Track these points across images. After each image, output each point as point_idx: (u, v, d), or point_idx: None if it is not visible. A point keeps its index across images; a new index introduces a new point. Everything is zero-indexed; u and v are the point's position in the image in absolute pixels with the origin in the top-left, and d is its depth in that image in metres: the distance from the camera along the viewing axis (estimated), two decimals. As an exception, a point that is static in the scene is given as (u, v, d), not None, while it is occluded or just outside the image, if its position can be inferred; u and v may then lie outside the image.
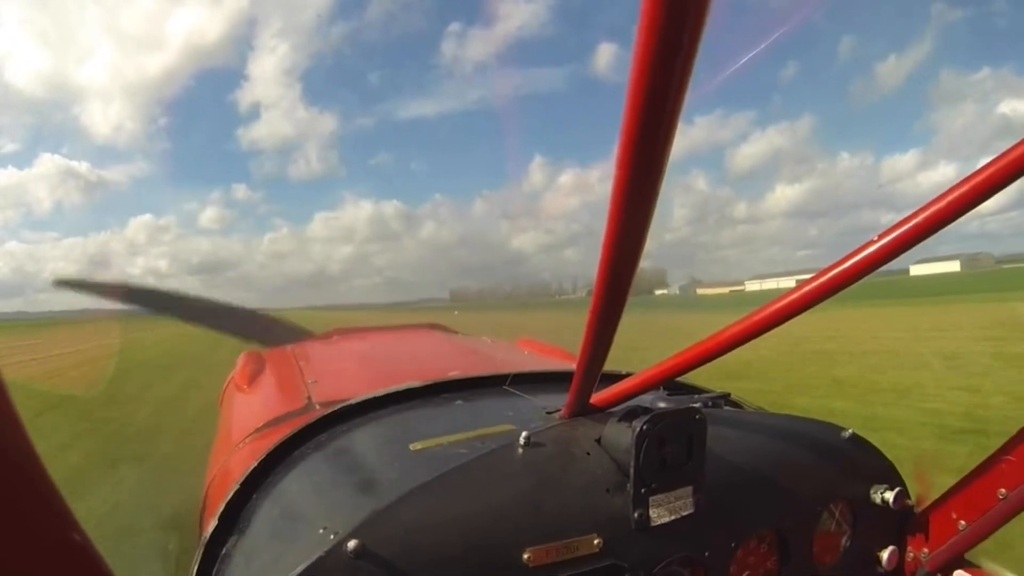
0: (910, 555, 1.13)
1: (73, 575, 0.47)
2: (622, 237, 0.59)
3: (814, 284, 0.78)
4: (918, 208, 0.70)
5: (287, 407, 1.42)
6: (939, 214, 0.68)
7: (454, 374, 1.36)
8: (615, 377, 1.03)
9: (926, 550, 1.11)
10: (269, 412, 1.43)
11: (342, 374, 1.97)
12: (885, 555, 1.10)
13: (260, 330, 3.23)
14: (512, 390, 1.30)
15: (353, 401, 1.17)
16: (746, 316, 0.85)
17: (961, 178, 0.67)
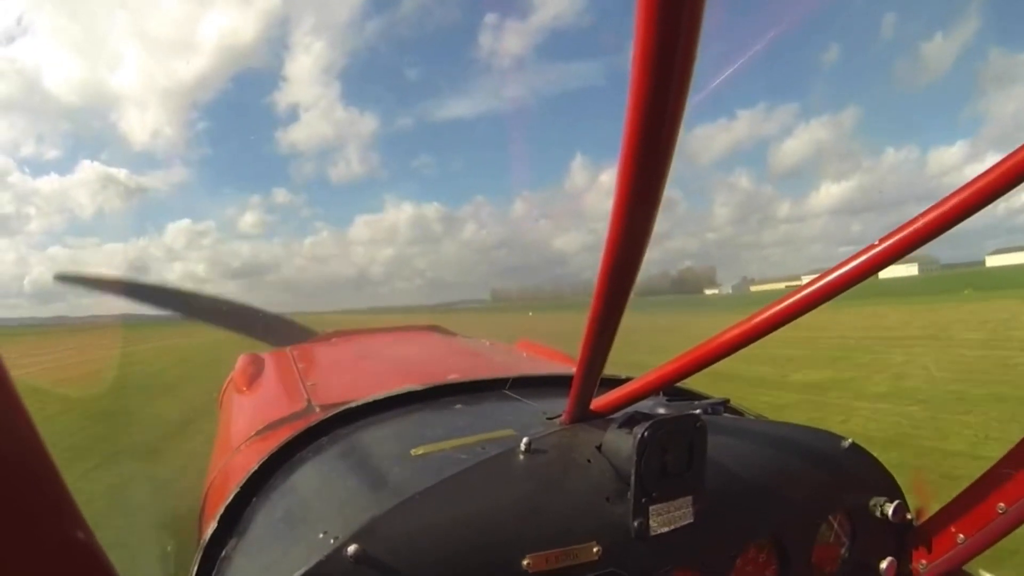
0: (908, 567, 1.13)
1: (78, 573, 0.47)
2: (624, 242, 0.59)
3: (815, 286, 0.78)
4: (919, 214, 0.70)
5: (286, 410, 1.42)
6: (940, 218, 0.68)
7: (454, 377, 1.36)
8: (615, 382, 1.03)
9: (924, 562, 1.11)
10: (268, 415, 1.43)
11: (341, 376, 1.97)
12: (883, 566, 1.09)
13: (263, 329, 3.22)
14: (512, 394, 1.30)
15: (353, 404, 1.17)
16: (746, 319, 0.85)
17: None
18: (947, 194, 0.68)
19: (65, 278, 3.20)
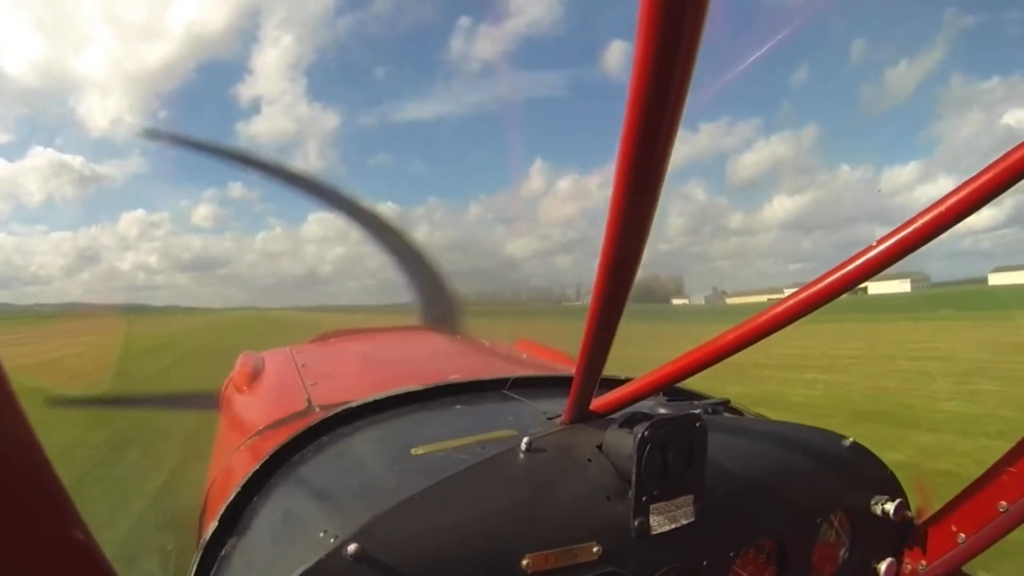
0: (908, 567, 1.13)
1: (76, 573, 0.47)
2: (621, 243, 0.59)
3: (813, 289, 0.78)
4: (909, 219, 0.70)
5: (287, 409, 1.42)
6: (931, 224, 0.68)
7: (454, 377, 1.36)
8: (614, 382, 1.03)
9: (924, 562, 1.11)
10: (269, 414, 1.43)
11: (341, 376, 1.97)
12: (883, 567, 1.09)
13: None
14: (512, 394, 1.30)
15: (353, 404, 1.17)
16: (745, 321, 0.85)
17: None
18: (934, 203, 0.68)
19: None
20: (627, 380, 1.01)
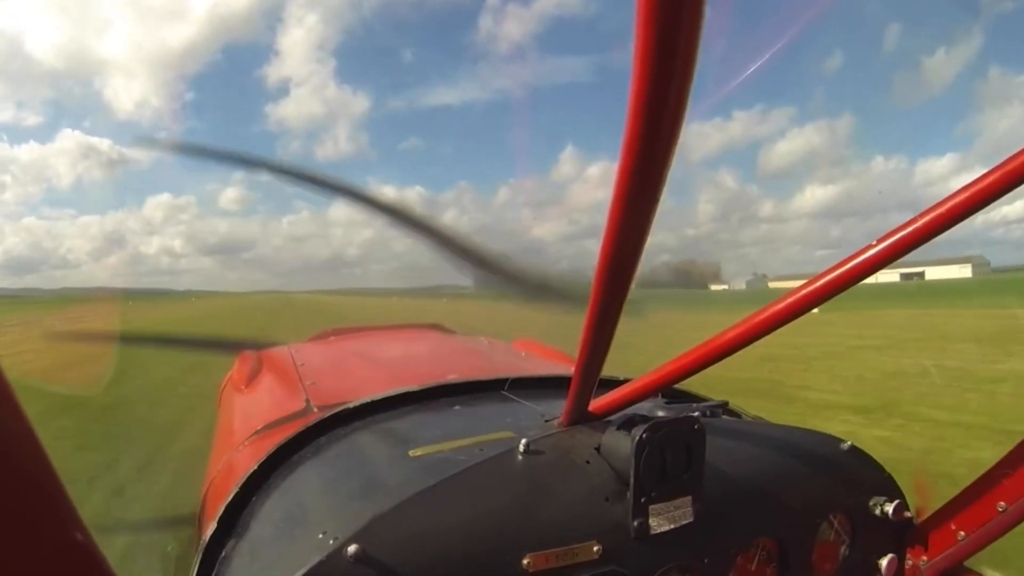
0: (909, 562, 1.13)
1: (75, 574, 0.47)
2: (621, 244, 0.59)
3: (813, 287, 0.78)
4: (916, 214, 0.70)
5: (285, 409, 1.42)
6: (938, 219, 0.68)
7: (452, 377, 1.36)
8: (613, 383, 1.03)
9: (924, 559, 1.11)
10: (267, 414, 1.43)
11: (340, 376, 1.97)
12: (884, 563, 1.10)
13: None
14: (510, 395, 1.30)
15: (351, 404, 1.17)
16: (743, 320, 0.85)
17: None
18: (943, 199, 0.68)
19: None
20: (626, 381, 1.02)
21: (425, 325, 3.27)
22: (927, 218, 0.69)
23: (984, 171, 0.66)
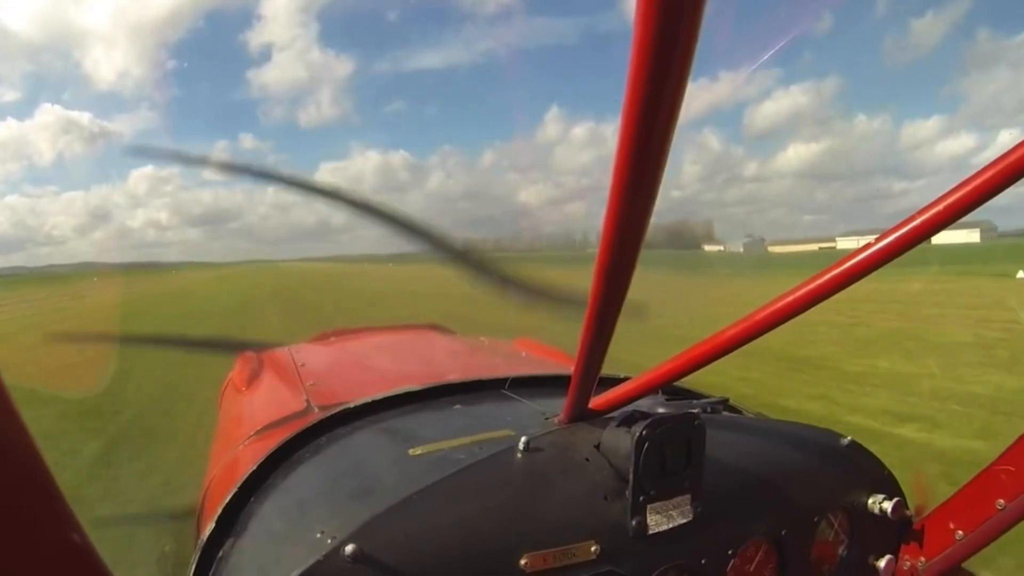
0: (907, 563, 1.13)
1: (73, 575, 0.47)
2: (619, 240, 0.58)
3: (813, 285, 0.78)
4: (916, 211, 0.70)
5: (285, 410, 1.42)
6: (937, 217, 0.68)
7: (452, 377, 1.36)
8: (613, 381, 1.03)
9: (923, 559, 1.11)
10: (267, 414, 1.43)
11: (340, 376, 1.97)
12: (882, 564, 1.10)
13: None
14: (510, 394, 1.30)
15: (351, 404, 1.17)
16: (744, 318, 0.85)
17: (972, 164, 0.64)
18: (944, 193, 0.67)
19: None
20: (626, 379, 1.01)
21: (425, 325, 3.28)
22: (927, 216, 0.69)
23: (967, 135, 0.64)
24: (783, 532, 1.02)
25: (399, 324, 3.63)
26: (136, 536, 3.24)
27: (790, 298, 0.80)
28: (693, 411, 0.93)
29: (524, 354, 2.30)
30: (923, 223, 0.69)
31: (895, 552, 1.12)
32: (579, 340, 0.78)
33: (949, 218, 0.67)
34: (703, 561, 0.93)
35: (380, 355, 2.43)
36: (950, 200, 0.66)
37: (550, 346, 2.42)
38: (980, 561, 1.09)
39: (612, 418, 0.94)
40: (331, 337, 3.00)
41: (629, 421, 0.89)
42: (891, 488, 1.12)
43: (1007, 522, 0.99)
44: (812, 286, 0.78)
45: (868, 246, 0.74)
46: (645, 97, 0.44)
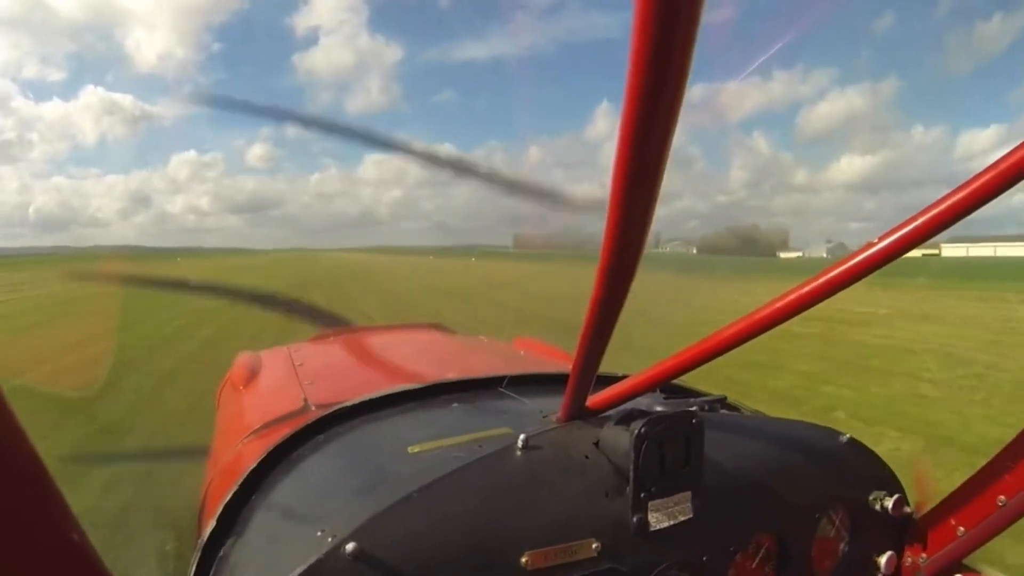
0: (908, 560, 1.13)
1: (72, 575, 0.47)
2: (622, 237, 0.58)
3: (814, 284, 0.78)
4: (920, 210, 0.70)
5: (283, 409, 1.42)
6: (941, 216, 0.68)
7: (450, 375, 1.36)
8: (611, 379, 1.03)
9: (924, 555, 1.11)
10: (266, 413, 1.43)
11: (339, 375, 1.98)
12: (883, 560, 1.10)
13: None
14: (509, 392, 1.30)
15: (349, 403, 1.17)
16: (745, 316, 0.85)
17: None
18: (947, 193, 0.67)
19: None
20: (624, 377, 1.02)
21: (425, 324, 3.28)
22: (927, 216, 0.69)
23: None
24: (784, 529, 1.02)
25: (398, 324, 3.63)
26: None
27: (790, 297, 0.80)
28: (692, 409, 0.93)
29: (523, 353, 2.31)
30: (923, 223, 0.69)
31: (896, 549, 1.12)
32: (578, 339, 0.78)
33: (950, 218, 0.67)
34: (704, 558, 0.94)
35: (379, 354, 2.43)
36: (951, 200, 0.66)
37: (551, 345, 2.42)
38: (981, 557, 1.10)
39: (610, 416, 0.94)
40: (330, 337, 3.00)
41: (628, 419, 0.89)
42: (892, 485, 1.12)
43: (1008, 518, 1.00)
44: (812, 286, 0.78)
45: (869, 246, 0.74)
46: (645, 97, 0.44)
